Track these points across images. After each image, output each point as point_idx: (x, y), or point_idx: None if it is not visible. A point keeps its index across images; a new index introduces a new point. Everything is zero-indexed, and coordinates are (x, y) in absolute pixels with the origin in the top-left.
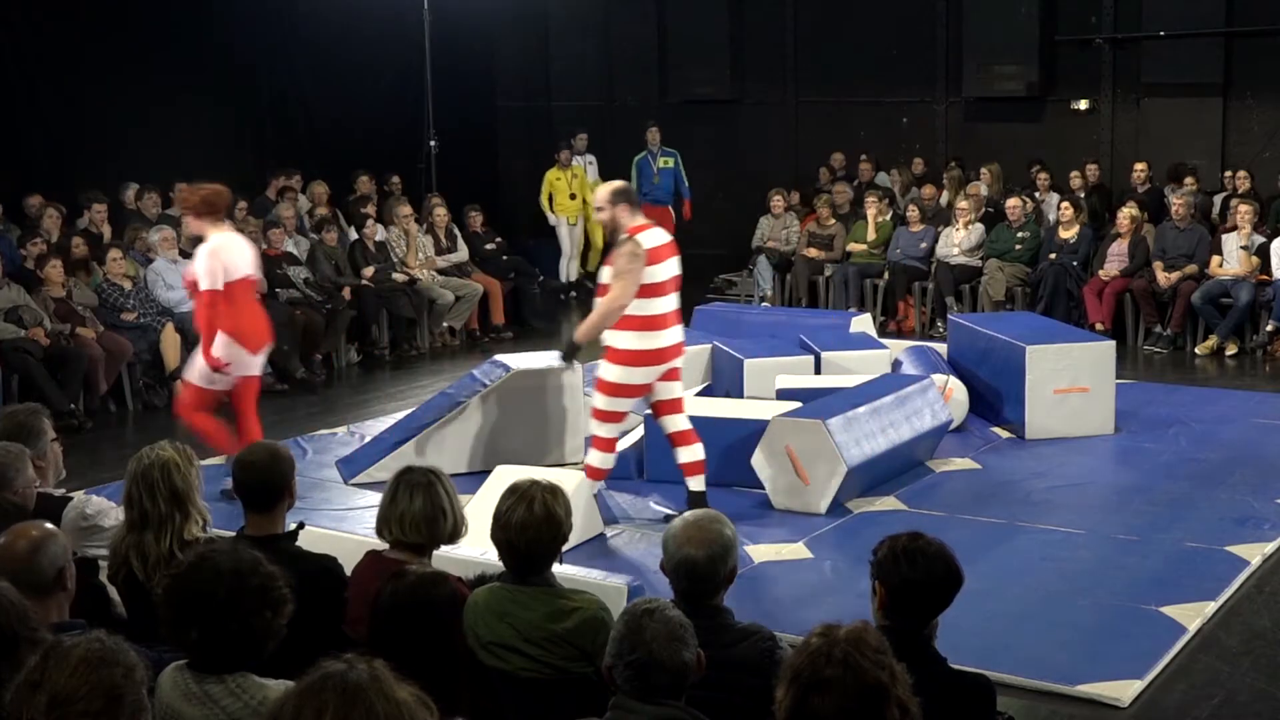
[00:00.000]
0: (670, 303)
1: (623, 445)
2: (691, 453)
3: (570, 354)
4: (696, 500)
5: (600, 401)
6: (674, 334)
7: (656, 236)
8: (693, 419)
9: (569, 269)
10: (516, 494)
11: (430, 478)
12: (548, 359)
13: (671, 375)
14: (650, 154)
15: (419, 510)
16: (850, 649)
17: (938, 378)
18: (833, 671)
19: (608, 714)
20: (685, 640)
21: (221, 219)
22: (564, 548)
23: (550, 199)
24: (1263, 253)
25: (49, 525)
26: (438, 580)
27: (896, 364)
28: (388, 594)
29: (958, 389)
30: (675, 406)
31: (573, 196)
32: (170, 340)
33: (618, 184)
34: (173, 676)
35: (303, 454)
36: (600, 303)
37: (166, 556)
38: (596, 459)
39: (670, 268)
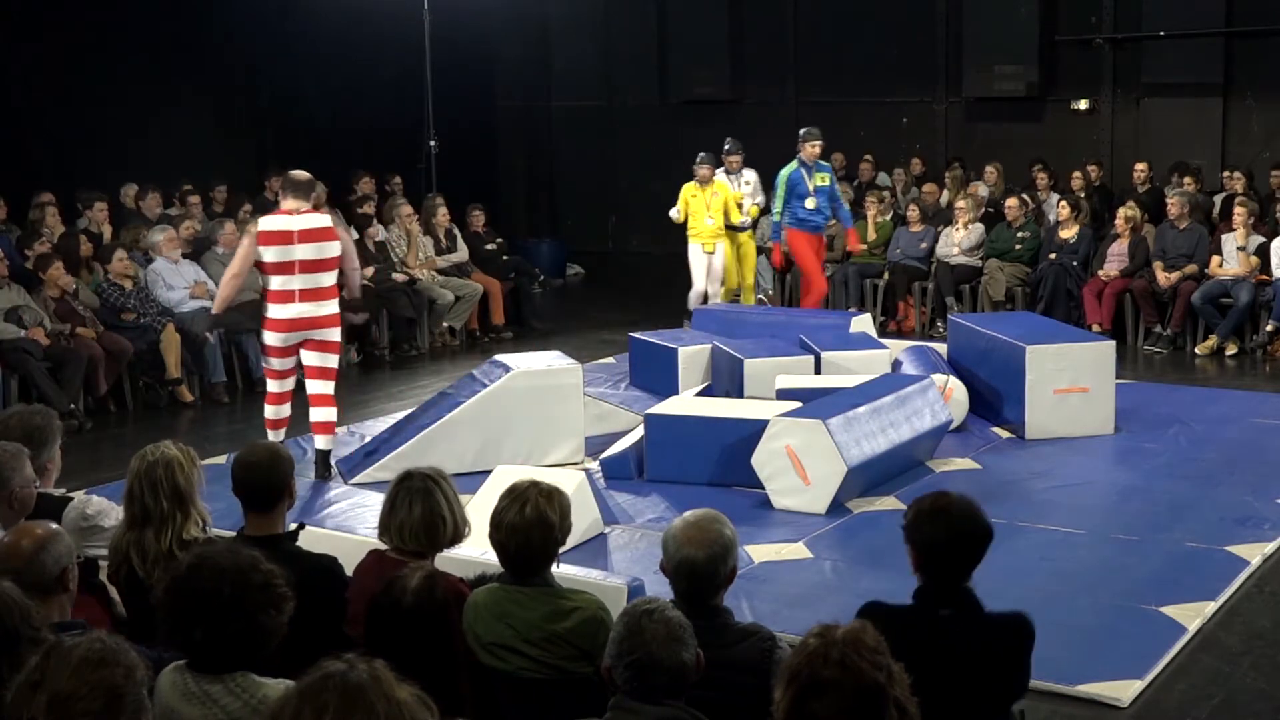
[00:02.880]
0: (283, 282)
1: (623, 445)
2: (325, 414)
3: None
4: (323, 457)
5: (266, 362)
6: (290, 310)
7: (276, 221)
8: (694, 419)
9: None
10: (512, 495)
11: (429, 484)
12: (548, 359)
13: (309, 345)
14: (805, 168)
15: (417, 519)
16: (847, 650)
17: (938, 378)
18: (830, 673)
19: (608, 714)
20: (685, 640)
21: None
22: (563, 548)
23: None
24: (1262, 253)
25: (54, 525)
26: (438, 581)
27: (896, 364)
28: (388, 594)
29: (958, 389)
30: (316, 374)
31: (710, 220)
32: (170, 340)
33: (292, 171)
34: (171, 677)
35: (302, 454)
36: None
37: (166, 555)
38: (269, 411)
39: (291, 252)
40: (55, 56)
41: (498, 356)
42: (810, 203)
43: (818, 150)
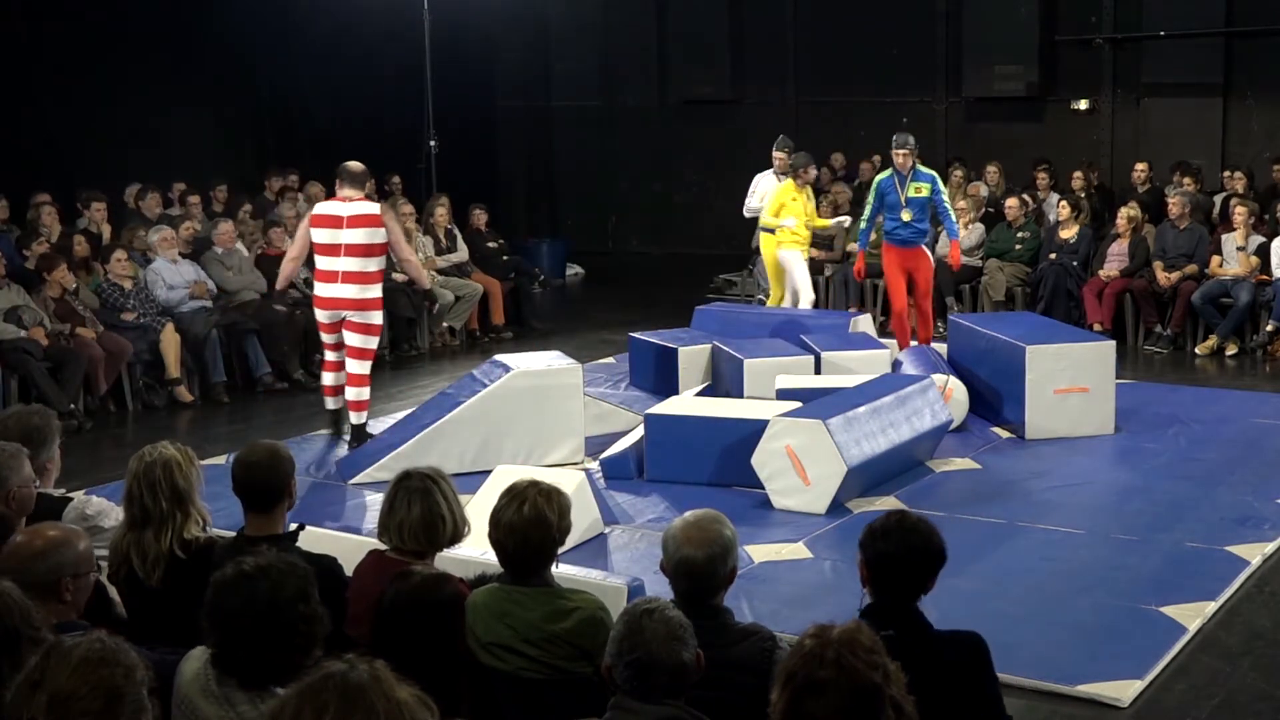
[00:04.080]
0: (329, 263)
1: (623, 445)
2: (358, 393)
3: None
4: (359, 432)
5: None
6: (333, 289)
7: (328, 206)
8: (694, 419)
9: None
10: (511, 495)
11: (428, 484)
12: (548, 359)
13: (349, 326)
14: (898, 176)
15: (416, 519)
16: (843, 650)
17: (938, 378)
18: (826, 673)
19: (607, 714)
20: (685, 640)
21: None
22: (563, 548)
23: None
24: (1262, 253)
25: (73, 534)
26: (441, 581)
27: (896, 364)
28: (392, 595)
29: (958, 389)
30: (354, 354)
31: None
32: (170, 340)
33: (348, 162)
34: (195, 667)
35: (303, 454)
36: None
37: (167, 555)
38: (326, 378)
39: (338, 235)
40: (55, 57)
41: (498, 356)
42: (905, 214)
43: (904, 158)
